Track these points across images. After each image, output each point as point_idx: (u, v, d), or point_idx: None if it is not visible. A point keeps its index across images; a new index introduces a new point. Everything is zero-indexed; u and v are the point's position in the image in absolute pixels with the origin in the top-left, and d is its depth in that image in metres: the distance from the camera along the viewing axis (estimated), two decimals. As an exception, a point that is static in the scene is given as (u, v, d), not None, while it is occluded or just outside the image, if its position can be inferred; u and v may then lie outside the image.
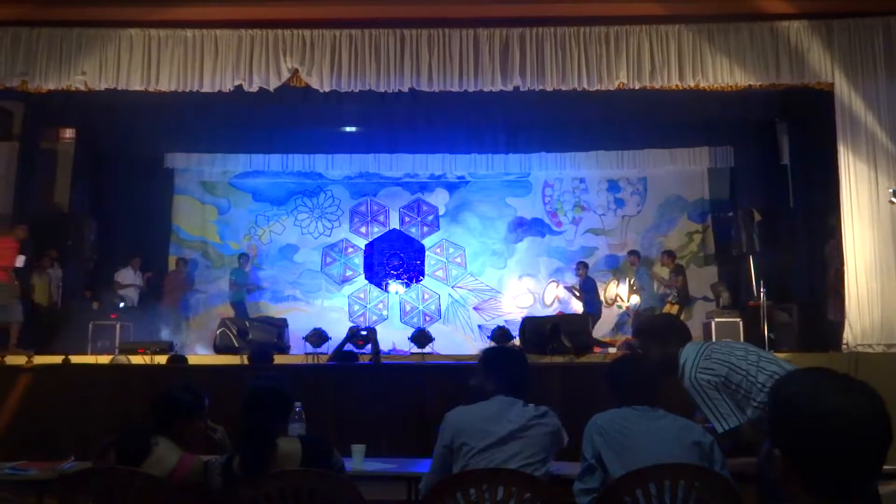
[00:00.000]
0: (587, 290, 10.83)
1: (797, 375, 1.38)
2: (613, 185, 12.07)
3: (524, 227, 12.07)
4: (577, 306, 11.27)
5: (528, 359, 3.37)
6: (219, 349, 8.72)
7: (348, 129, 11.20)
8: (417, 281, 12.03)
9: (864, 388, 1.31)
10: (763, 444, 2.78)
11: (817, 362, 6.66)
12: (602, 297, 11.12)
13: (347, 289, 11.96)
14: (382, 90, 8.30)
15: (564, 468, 3.17)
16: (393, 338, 10.40)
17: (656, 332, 3.36)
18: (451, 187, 12.22)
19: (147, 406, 3.06)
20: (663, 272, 10.40)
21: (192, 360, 7.64)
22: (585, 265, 11.04)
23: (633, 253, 11.02)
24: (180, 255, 11.58)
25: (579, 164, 11.88)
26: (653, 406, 2.95)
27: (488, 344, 8.69)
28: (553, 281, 11.76)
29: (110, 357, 7.80)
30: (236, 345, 8.56)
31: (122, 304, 10.04)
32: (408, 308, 11.92)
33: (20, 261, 8.74)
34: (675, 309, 10.28)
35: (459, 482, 2.70)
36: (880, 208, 8.03)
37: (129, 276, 10.58)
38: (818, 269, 9.20)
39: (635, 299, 11.00)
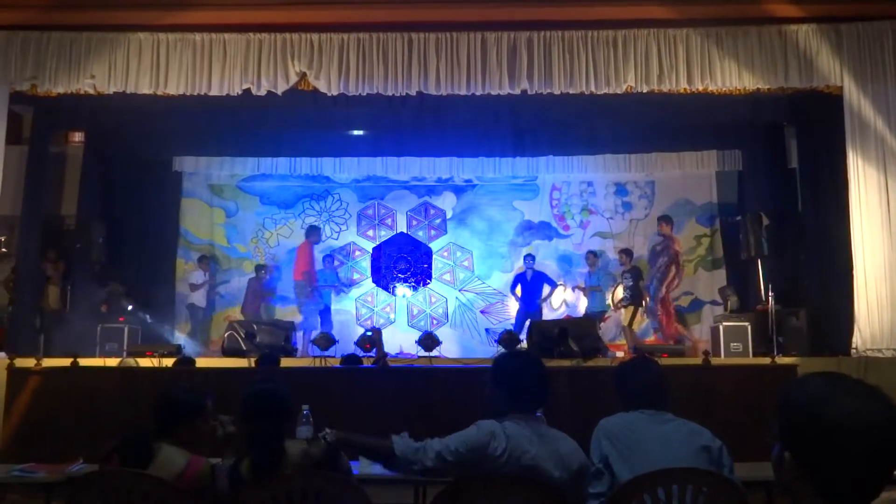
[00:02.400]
0: (532, 283, 10.89)
1: (809, 379, 1.37)
2: (621, 189, 12.03)
3: (532, 230, 12.04)
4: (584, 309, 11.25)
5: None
6: (226, 352, 8.73)
7: (356, 132, 11.21)
8: (425, 284, 12.01)
9: (878, 393, 1.30)
10: None
11: (826, 367, 6.62)
12: (610, 301, 11.08)
13: (355, 292, 11.95)
14: (390, 94, 8.30)
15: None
16: (400, 341, 10.39)
17: None
18: (459, 190, 12.20)
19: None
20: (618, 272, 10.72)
21: (200, 362, 7.64)
22: (532, 257, 11.23)
23: (591, 252, 11.05)
24: (257, 261, 11.61)
25: (587, 167, 11.84)
26: (661, 410, 2.94)
27: (496, 347, 8.68)
28: (560, 284, 11.71)
29: (118, 360, 7.82)
30: (244, 347, 8.56)
31: (129, 307, 10.05)
32: (415, 311, 11.91)
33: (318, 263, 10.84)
34: (629, 312, 10.28)
35: None
36: (890, 212, 7.99)
37: (199, 278, 10.57)
38: (827, 273, 9.15)
39: (584, 301, 11.14)
